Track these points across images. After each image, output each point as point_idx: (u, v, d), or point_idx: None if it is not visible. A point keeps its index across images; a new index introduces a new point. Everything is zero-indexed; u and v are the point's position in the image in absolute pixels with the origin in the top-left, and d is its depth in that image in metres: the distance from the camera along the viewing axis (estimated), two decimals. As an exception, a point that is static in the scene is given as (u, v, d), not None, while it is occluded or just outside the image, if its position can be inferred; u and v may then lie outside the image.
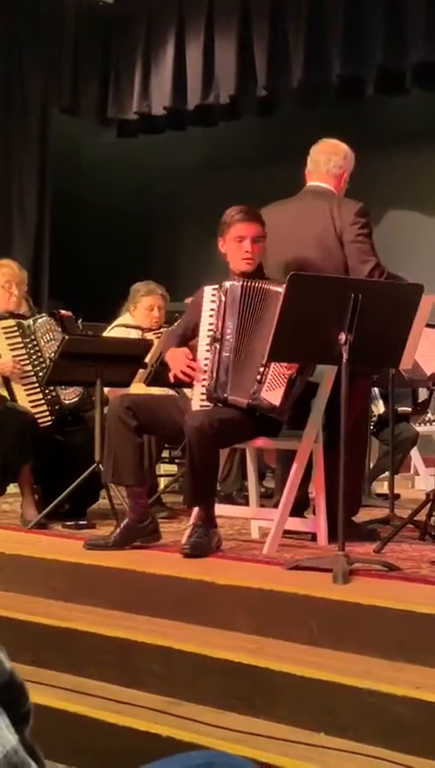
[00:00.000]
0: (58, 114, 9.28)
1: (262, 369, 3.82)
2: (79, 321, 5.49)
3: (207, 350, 3.93)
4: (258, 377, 3.82)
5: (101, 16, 8.86)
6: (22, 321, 4.92)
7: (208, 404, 3.91)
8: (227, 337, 3.89)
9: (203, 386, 3.92)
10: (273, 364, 3.79)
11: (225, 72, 8.12)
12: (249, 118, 8.82)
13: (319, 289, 3.53)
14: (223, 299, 3.90)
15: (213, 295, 3.95)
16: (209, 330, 3.94)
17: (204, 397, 3.92)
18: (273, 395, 3.81)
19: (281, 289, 3.58)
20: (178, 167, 9.89)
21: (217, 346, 3.89)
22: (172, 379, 4.02)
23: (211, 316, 3.94)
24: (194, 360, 3.94)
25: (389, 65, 7.54)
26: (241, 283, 3.90)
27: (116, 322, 5.57)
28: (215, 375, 3.88)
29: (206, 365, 3.92)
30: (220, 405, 3.88)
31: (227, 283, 3.92)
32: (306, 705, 2.73)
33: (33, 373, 4.85)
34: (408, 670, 2.80)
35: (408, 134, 8.78)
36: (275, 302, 3.65)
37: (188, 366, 3.93)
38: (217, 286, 3.96)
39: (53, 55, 8.98)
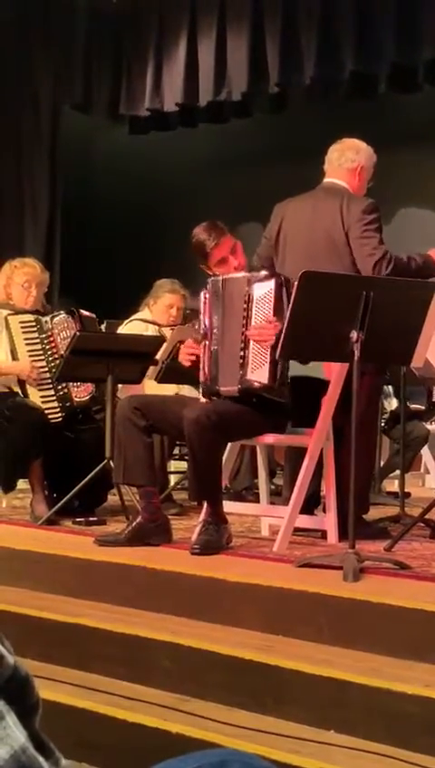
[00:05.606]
0: (69, 111, 9.27)
1: (242, 353, 3.85)
2: (103, 325, 5.51)
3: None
4: (240, 360, 3.85)
5: (113, 13, 8.84)
6: (40, 317, 4.94)
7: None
8: (214, 330, 3.95)
9: (201, 382, 3.96)
10: (251, 344, 3.82)
11: (237, 68, 8.09)
12: (261, 115, 8.79)
13: (331, 286, 3.52)
14: (207, 295, 3.98)
15: (202, 294, 4.03)
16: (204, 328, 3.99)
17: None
18: (259, 373, 3.83)
19: (242, 274, 3.92)
20: (189, 163, 9.87)
21: (206, 342, 3.95)
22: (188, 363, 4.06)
23: (202, 314, 4.00)
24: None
25: (401, 62, 7.51)
26: (221, 276, 4.00)
27: (134, 316, 5.55)
28: (207, 370, 3.92)
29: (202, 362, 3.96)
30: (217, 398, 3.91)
31: (210, 280, 4.02)
32: (316, 702, 2.72)
33: (46, 369, 4.85)
34: (418, 669, 2.79)
35: (421, 131, 8.73)
36: (240, 286, 3.84)
37: (189, 352, 4.01)
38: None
39: (64, 52, 8.97)
